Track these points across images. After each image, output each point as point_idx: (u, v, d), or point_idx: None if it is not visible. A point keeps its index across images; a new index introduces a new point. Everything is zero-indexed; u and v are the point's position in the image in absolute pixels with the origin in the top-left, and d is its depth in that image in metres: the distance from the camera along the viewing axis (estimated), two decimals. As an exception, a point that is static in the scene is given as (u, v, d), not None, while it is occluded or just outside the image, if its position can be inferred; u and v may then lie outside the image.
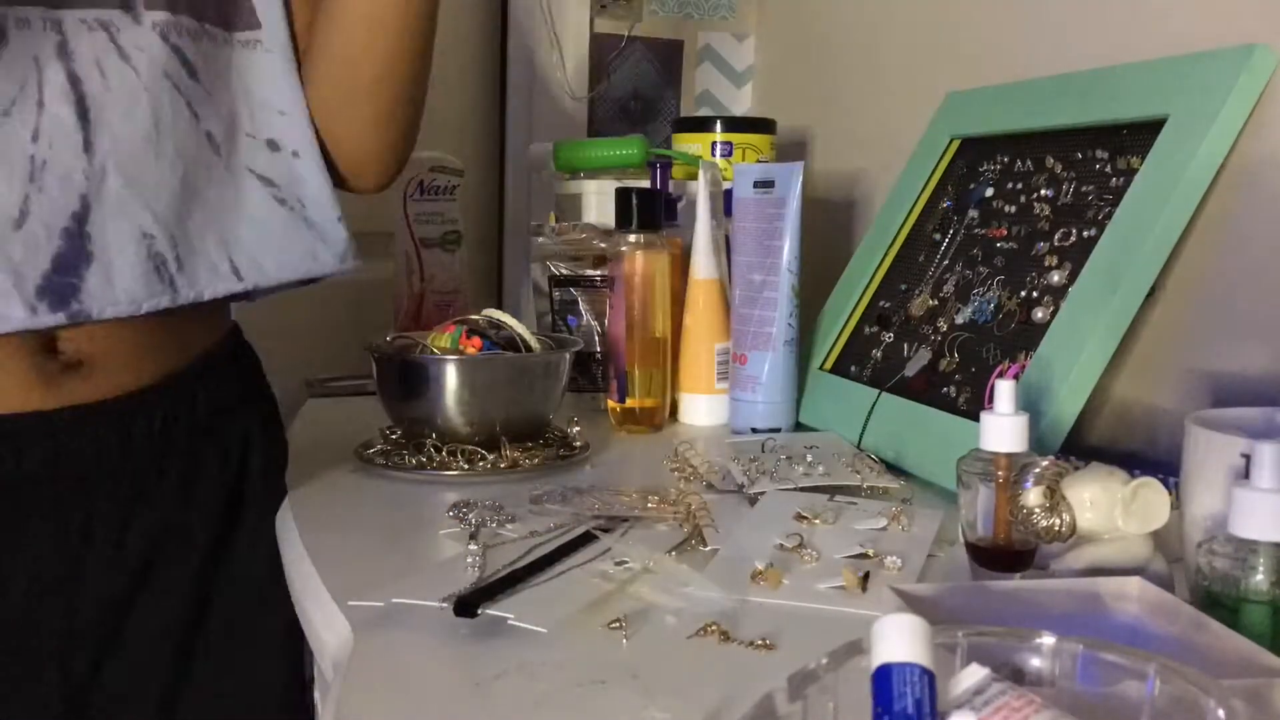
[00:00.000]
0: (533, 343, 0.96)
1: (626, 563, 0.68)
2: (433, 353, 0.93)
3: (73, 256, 0.72)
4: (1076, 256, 0.86)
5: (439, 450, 0.90)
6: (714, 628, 0.58)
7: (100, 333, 0.75)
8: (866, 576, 0.65)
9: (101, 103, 0.73)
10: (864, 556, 0.69)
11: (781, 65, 1.60)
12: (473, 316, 0.97)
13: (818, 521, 0.75)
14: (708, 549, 0.71)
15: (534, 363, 0.95)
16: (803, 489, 0.82)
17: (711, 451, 0.94)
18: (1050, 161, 0.94)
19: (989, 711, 0.36)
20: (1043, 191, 0.93)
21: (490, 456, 0.89)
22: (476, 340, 0.94)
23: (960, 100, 1.10)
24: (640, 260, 1.05)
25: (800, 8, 1.53)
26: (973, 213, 1.00)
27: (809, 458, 0.88)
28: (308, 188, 0.83)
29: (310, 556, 0.71)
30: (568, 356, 0.97)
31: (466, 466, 0.89)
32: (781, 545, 0.71)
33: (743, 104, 1.66)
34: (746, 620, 0.60)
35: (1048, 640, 0.40)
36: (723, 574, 0.67)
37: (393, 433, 0.96)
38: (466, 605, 0.59)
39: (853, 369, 1.05)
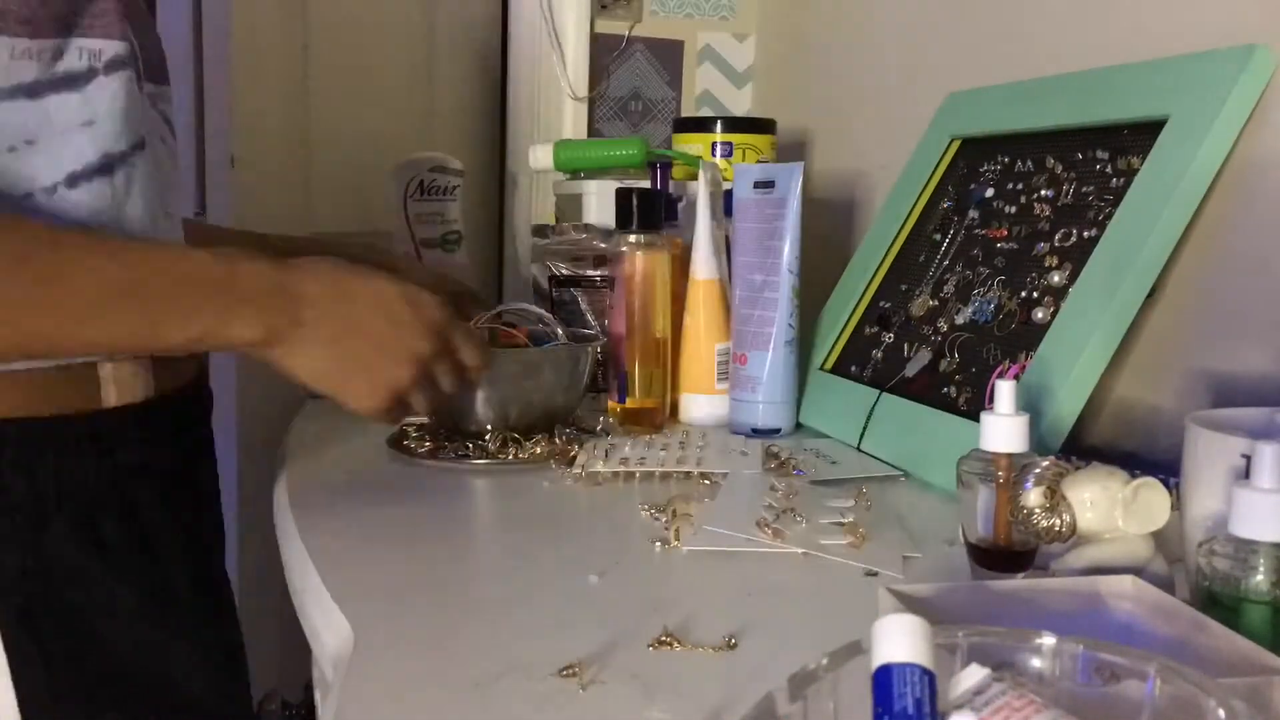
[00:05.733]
0: (560, 332, 0.99)
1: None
2: None
3: None
4: (1077, 256, 0.86)
5: (471, 440, 0.93)
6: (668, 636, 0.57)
7: None
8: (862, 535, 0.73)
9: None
10: (841, 524, 0.76)
11: (781, 65, 1.59)
12: (499, 309, 1.01)
13: (795, 495, 0.82)
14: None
15: (578, 354, 0.98)
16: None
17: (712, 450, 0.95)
18: (1050, 162, 0.94)
19: (989, 711, 0.36)
20: (1043, 192, 0.93)
21: (511, 449, 0.92)
22: (524, 329, 0.97)
23: (960, 100, 1.10)
24: (640, 260, 1.05)
25: (800, 8, 1.53)
26: (973, 213, 1.00)
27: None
28: None
29: (310, 556, 0.71)
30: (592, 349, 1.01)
31: (487, 458, 0.92)
32: (771, 505, 0.79)
33: (743, 104, 1.66)
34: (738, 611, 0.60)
35: (1048, 640, 0.40)
36: (729, 516, 0.76)
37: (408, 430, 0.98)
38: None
39: (853, 369, 1.05)
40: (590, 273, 1.21)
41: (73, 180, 0.69)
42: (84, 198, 0.70)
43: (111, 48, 0.71)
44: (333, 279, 0.74)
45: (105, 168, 0.71)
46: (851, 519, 0.77)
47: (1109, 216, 0.84)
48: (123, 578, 0.74)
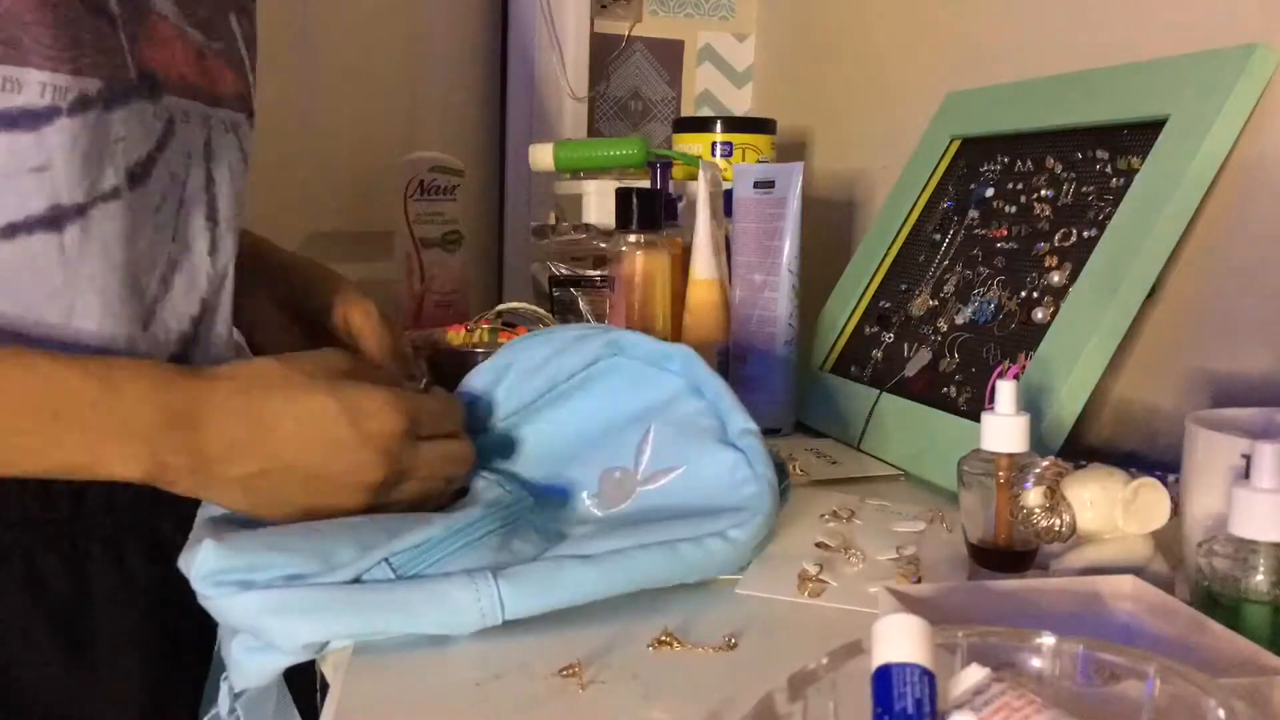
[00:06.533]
0: None
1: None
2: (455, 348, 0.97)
3: (184, 360, 0.71)
4: (1077, 256, 0.86)
5: None
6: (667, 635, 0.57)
7: None
8: (919, 581, 0.64)
9: (224, 207, 0.74)
10: (902, 558, 0.68)
11: (781, 65, 1.60)
12: (499, 309, 1.01)
13: (858, 520, 0.75)
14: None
15: None
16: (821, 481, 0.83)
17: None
18: (1050, 162, 0.94)
19: (989, 711, 0.36)
20: (1043, 192, 0.93)
21: None
22: (521, 329, 0.97)
23: (960, 100, 1.10)
24: (640, 260, 1.05)
25: (800, 8, 1.53)
26: (973, 213, 1.00)
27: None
28: None
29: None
30: None
31: None
32: (825, 544, 0.69)
33: (743, 104, 1.66)
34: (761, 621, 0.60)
35: (1048, 640, 0.40)
36: (768, 574, 0.65)
37: None
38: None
39: (853, 369, 1.05)
40: (590, 273, 1.21)
41: (10, 231, 0.61)
42: (17, 254, 0.61)
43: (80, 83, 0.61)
44: (246, 401, 0.60)
45: (52, 221, 0.61)
46: (912, 550, 0.68)
47: (1109, 216, 0.84)
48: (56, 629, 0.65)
